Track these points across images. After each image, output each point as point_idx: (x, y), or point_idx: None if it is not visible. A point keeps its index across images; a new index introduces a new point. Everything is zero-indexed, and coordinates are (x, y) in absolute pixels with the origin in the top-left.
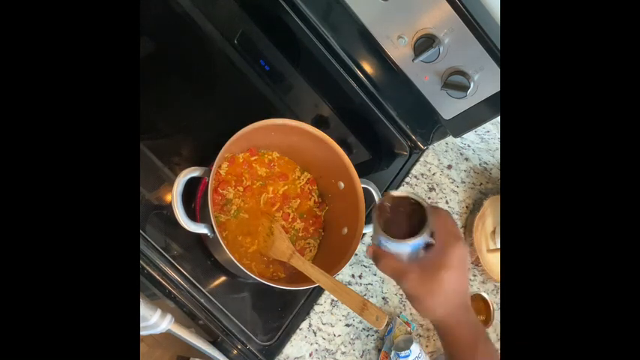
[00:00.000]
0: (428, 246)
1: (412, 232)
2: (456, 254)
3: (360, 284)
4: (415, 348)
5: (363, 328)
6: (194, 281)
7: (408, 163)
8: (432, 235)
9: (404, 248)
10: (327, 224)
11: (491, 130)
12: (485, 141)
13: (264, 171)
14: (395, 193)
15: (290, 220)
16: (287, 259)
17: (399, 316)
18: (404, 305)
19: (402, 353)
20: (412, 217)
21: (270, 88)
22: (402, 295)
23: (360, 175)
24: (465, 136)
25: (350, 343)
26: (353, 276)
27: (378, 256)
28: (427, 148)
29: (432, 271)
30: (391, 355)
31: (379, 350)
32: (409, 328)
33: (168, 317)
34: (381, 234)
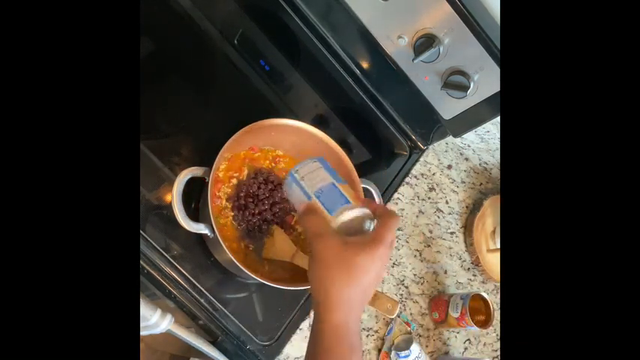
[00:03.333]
0: (359, 231)
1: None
2: (382, 252)
3: None
4: (415, 348)
5: (363, 328)
6: (194, 281)
7: (408, 163)
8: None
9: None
10: None
11: (491, 130)
12: (485, 141)
13: (268, 164)
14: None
15: (294, 222)
16: (290, 259)
17: (399, 316)
18: (404, 305)
19: (402, 353)
20: None
21: (270, 88)
22: (402, 295)
23: (360, 175)
24: (465, 136)
25: None
26: None
27: (310, 209)
28: (427, 148)
29: (356, 249)
30: (391, 355)
31: (379, 350)
32: (409, 328)
33: (168, 317)
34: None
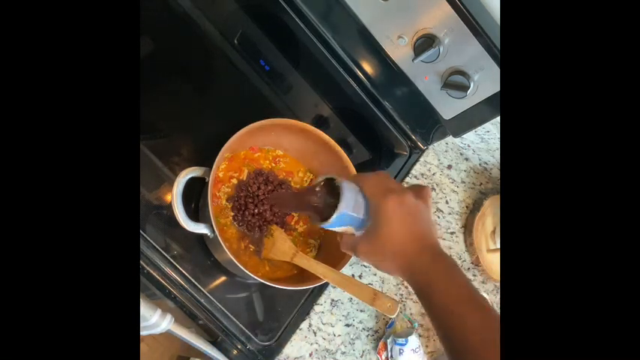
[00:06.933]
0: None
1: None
2: (388, 206)
3: None
4: (414, 340)
5: (363, 328)
6: (194, 281)
7: (408, 163)
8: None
9: (336, 226)
10: None
11: (491, 130)
12: (485, 141)
13: (268, 164)
14: (317, 179)
15: (293, 222)
16: (290, 259)
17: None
18: (404, 305)
19: (399, 340)
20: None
21: (270, 88)
22: (402, 295)
23: None
24: (465, 136)
25: (350, 343)
26: (353, 276)
27: (341, 240)
28: (427, 148)
29: (373, 232)
30: (388, 340)
31: None
32: (410, 325)
33: (168, 317)
34: (317, 222)
